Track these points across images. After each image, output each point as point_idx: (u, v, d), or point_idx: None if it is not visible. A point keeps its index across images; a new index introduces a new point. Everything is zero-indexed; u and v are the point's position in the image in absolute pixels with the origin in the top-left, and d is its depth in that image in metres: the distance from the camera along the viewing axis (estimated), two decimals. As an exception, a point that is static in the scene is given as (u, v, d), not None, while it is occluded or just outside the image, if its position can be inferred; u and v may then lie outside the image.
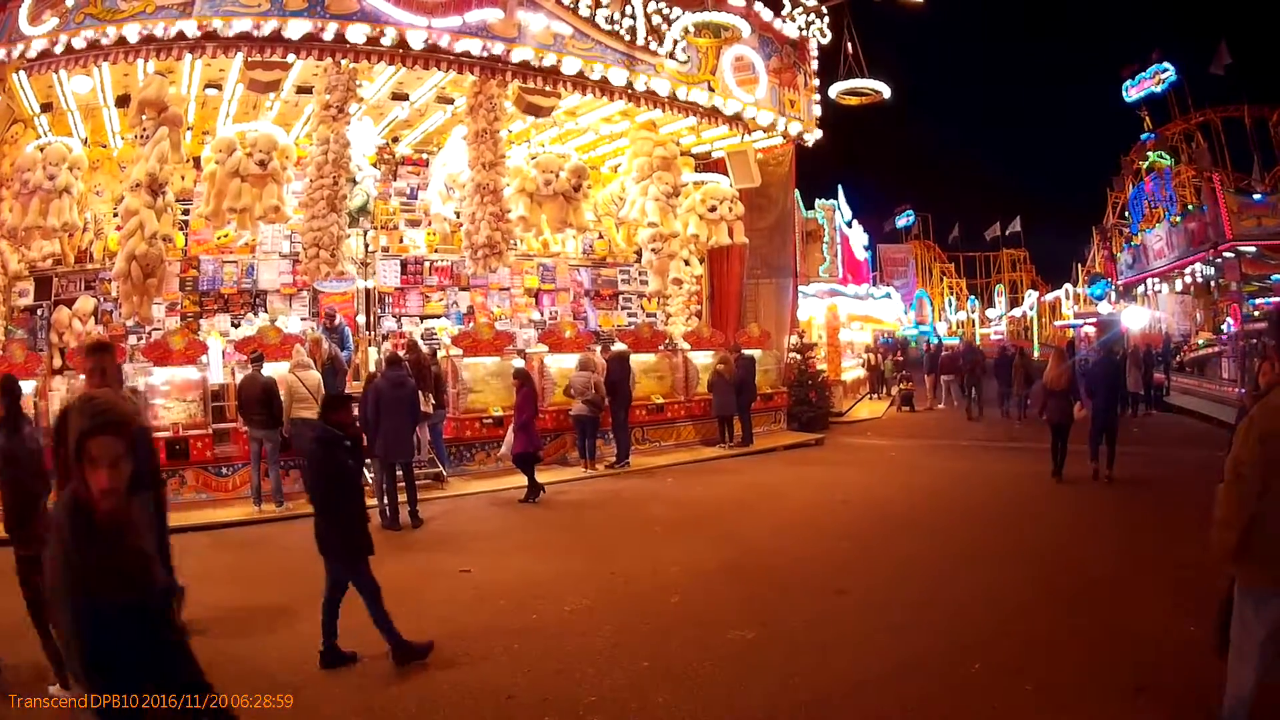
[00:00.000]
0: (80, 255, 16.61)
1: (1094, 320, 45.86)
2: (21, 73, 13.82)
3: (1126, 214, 45.77)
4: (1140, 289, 42.08)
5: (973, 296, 66.40)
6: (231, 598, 7.88)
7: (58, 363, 15.17)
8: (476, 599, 7.68)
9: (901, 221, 63.41)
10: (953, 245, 66.76)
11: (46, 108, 15.49)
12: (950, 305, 66.00)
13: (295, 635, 6.74)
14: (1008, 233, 62.81)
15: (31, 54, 13.30)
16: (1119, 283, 45.10)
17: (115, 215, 15.25)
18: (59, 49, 13.10)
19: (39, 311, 16.47)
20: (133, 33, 12.76)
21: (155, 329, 15.53)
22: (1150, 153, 42.28)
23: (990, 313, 64.29)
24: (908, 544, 9.33)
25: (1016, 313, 61.65)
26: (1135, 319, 39.24)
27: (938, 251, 66.32)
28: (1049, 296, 57.99)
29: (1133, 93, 43.09)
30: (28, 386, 13.18)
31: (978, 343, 43.13)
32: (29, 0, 13.39)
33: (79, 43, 12.94)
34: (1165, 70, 41.49)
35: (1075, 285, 53.94)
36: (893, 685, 5.48)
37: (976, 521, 10.45)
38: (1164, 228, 36.26)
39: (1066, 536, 9.50)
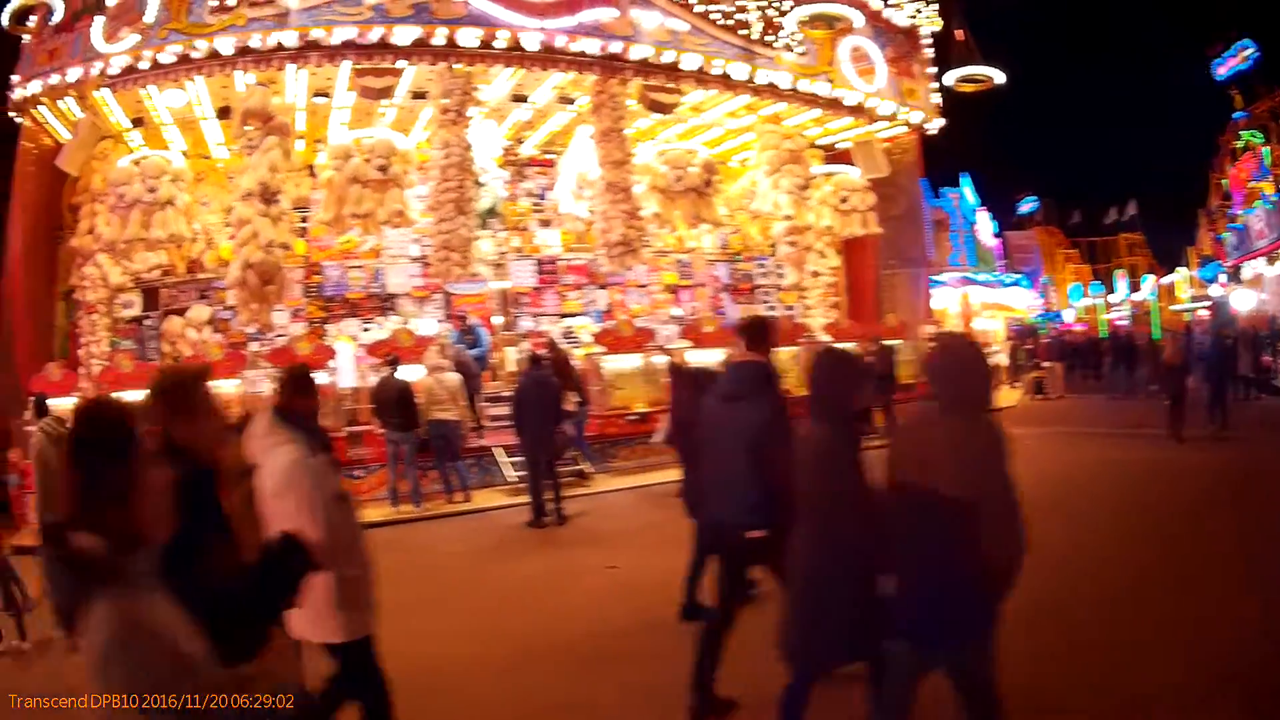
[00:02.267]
0: (191, 265, 17.23)
1: (1207, 304, 45.49)
2: (106, 89, 14.40)
3: (1228, 195, 45.28)
4: (1246, 270, 41.63)
5: (1097, 282, 65.82)
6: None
7: (171, 371, 15.95)
8: (624, 595, 7.90)
9: (1024, 208, 63.13)
10: (1074, 230, 66.67)
11: (138, 122, 16.10)
12: (1076, 291, 65.53)
13: (433, 629, 7.08)
14: (1125, 217, 62.95)
15: (113, 71, 13.81)
16: (1228, 264, 44.63)
17: (228, 225, 15.74)
18: (144, 65, 13.61)
19: (146, 322, 17.22)
20: (226, 46, 13.27)
21: (279, 335, 16.25)
22: (1243, 132, 41.78)
23: (1111, 298, 63.70)
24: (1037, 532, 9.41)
25: (1138, 297, 61.04)
26: (1242, 301, 38.84)
27: (1061, 237, 66.10)
28: (1165, 280, 57.44)
29: (1221, 71, 42.67)
30: (139, 396, 14.03)
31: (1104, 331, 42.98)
32: (103, 18, 13.93)
33: (166, 58, 13.42)
34: (1247, 47, 41.02)
35: (1188, 268, 53.45)
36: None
37: (1101, 508, 10.49)
38: (1262, 208, 35.94)
39: (1182, 527, 9.38)
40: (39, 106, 15.08)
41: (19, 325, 15.93)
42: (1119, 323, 54.58)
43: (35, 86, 14.67)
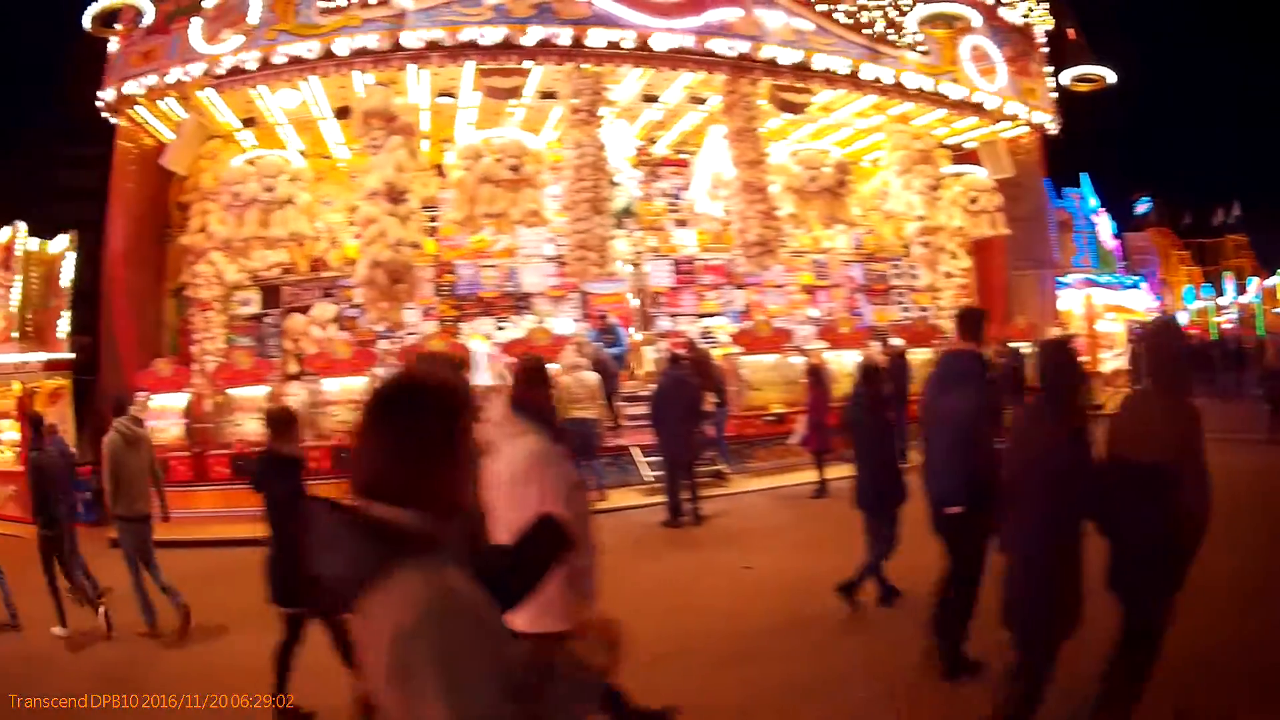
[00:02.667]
0: (315, 263, 17.57)
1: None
2: (210, 90, 14.59)
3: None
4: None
5: (1207, 284, 65.34)
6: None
7: (294, 369, 16.38)
8: (760, 595, 8.00)
9: (1140, 209, 62.80)
10: (1186, 231, 66.37)
11: (249, 122, 16.31)
12: (1189, 294, 65.02)
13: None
14: (1230, 218, 62.70)
15: (218, 71, 14.05)
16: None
17: (353, 224, 15.98)
18: (253, 65, 13.88)
19: (266, 319, 17.59)
20: (341, 47, 13.52)
21: (410, 333, 16.61)
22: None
23: (1220, 300, 63.11)
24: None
25: (1244, 300, 60.38)
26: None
27: (1174, 238, 65.67)
28: (1269, 283, 56.78)
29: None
30: (260, 391, 14.44)
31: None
32: (201, 20, 14.20)
33: (276, 58, 13.68)
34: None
35: (1287, 271, 52.86)
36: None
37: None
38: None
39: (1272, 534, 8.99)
40: (136, 107, 15.27)
41: (121, 323, 16.20)
42: (1226, 326, 54.06)
43: (129, 88, 14.86)
